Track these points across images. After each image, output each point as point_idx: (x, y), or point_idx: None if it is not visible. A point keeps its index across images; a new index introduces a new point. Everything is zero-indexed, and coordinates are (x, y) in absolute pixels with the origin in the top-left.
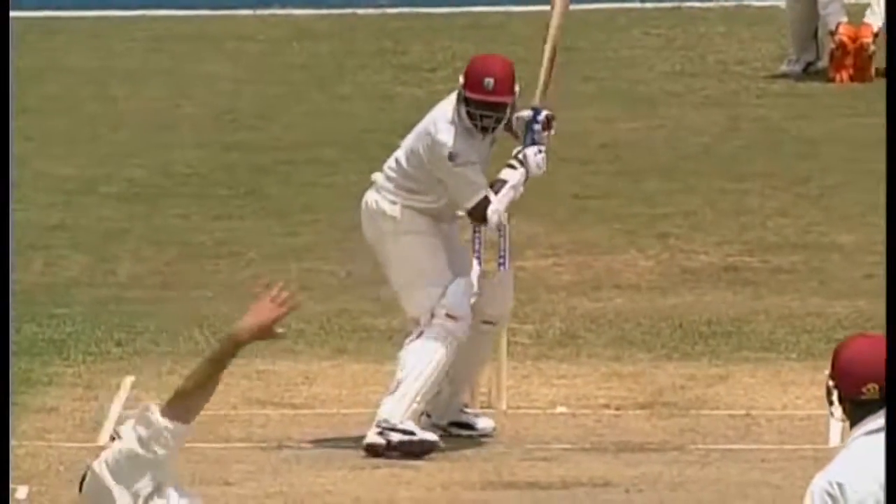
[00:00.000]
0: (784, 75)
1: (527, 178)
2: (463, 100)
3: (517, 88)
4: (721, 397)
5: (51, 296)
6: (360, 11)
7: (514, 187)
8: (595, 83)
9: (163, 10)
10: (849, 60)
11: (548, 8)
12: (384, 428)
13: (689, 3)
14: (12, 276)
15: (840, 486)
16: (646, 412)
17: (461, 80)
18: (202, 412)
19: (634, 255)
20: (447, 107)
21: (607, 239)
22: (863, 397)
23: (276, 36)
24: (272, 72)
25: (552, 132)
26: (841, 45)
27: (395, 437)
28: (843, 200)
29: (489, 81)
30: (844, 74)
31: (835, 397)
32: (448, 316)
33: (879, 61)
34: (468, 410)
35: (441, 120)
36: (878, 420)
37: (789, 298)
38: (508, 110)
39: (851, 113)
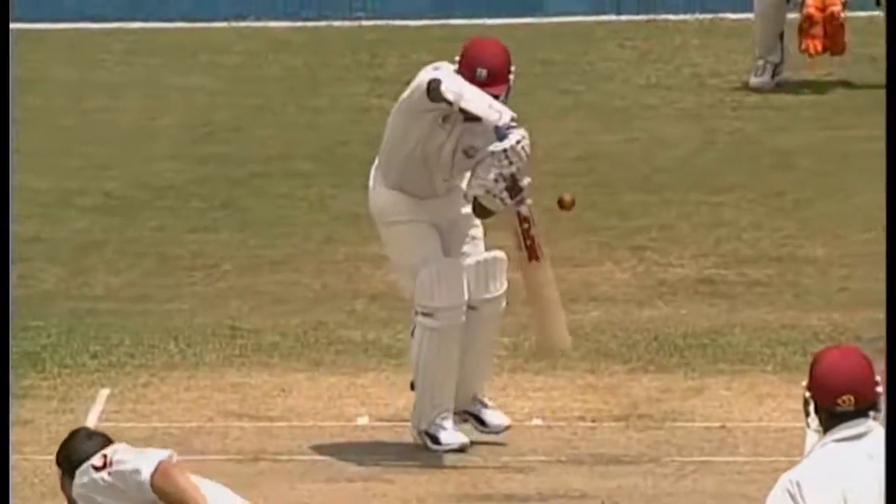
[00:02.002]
0: (757, 89)
1: (505, 126)
2: None
3: (511, 77)
4: (697, 410)
5: (26, 308)
6: (336, 24)
7: (486, 98)
8: (571, 96)
9: (138, 23)
10: (818, 30)
11: (523, 20)
12: (420, 431)
13: (664, 16)
14: None
15: (798, 485)
16: (621, 424)
17: (457, 62)
18: (179, 424)
19: (610, 267)
20: (450, 71)
21: (583, 251)
22: (838, 409)
23: (252, 48)
24: (247, 84)
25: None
26: (808, 17)
27: (429, 443)
28: (818, 213)
29: (482, 72)
30: (817, 44)
31: (811, 408)
32: (422, 313)
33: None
34: (486, 402)
35: (444, 67)
36: (851, 429)
37: (765, 311)
38: (502, 98)
39: (826, 125)
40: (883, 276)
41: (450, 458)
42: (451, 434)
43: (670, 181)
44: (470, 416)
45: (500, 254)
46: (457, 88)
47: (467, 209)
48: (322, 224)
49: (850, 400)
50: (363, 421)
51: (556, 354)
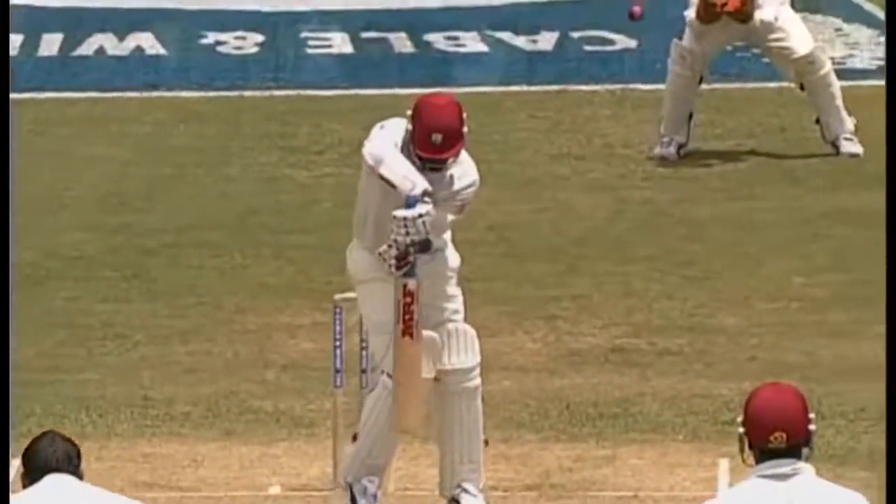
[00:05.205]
0: (664, 158)
1: (415, 198)
2: (409, 145)
3: (465, 129)
4: (608, 479)
5: None
6: (247, 94)
7: (405, 168)
8: (483, 166)
9: (48, 93)
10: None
11: (434, 91)
12: (346, 482)
13: (575, 87)
14: None
15: None
16: (533, 494)
17: (409, 123)
18: None
19: (521, 337)
20: (399, 130)
21: (494, 321)
22: (770, 445)
23: (163, 118)
24: (158, 154)
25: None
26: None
27: (348, 501)
28: (728, 283)
29: (437, 137)
30: (735, 2)
31: (746, 445)
32: (386, 373)
33: None
34: (469, 489)
35: (390, 129)
36: (777, 468)
37: (676, 380)
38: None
39: (736, 196)
40: (792, 345)
41: None
42: (370, 501)
43: (581, 251)
44: (454, 502)
45: (468, 327)
46: (378, 153)
47: (443, 279)
48: (233, 294)
49: (781, 437)
50: (275, 491)
51: (409, 433)
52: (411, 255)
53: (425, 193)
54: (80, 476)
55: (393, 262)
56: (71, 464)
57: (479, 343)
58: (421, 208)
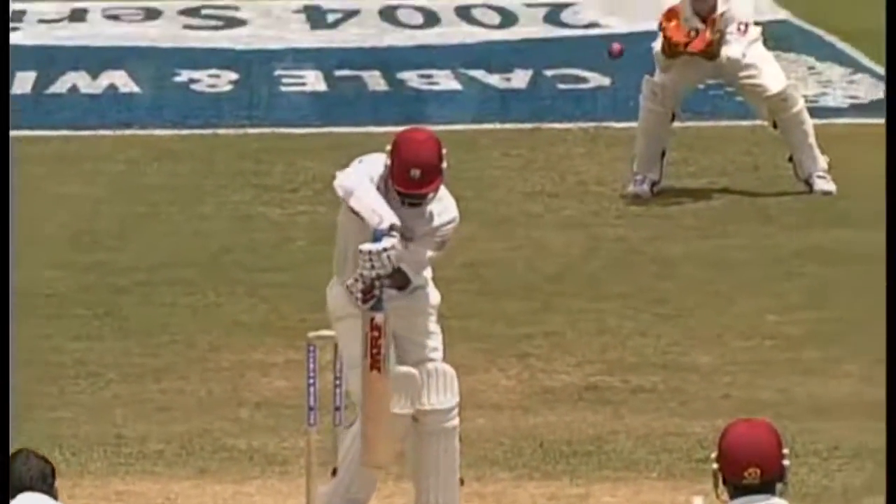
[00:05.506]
0: (637, 195)
1: (382, 231)
2: (388, 180)
3: (444, 165)
4: None
5: None
6: (221, 132)
7: (375, 201)
8: (458, 203)
9: (21, 131)
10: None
11: (406, 128)
12: None
13: (548, 125)
14: None
15: None
16: None
17: (387, 157)
18: None
19: (495, 374)
20: (378, 164)
21: (469, 359)
22: (744, 481)
23: (136, 156)
24: (131, 192)
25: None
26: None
27: None
28: (701, 321)
29: (415, 173)
30: (699, 44)
31: (720, 481)
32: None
33: None
34: None
35: (368, 163)
36: None
37: (649, 418)
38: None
39: (708, 234)
40: (766, 383)
41: None
42: None
43: (555, 288)
44: None
45: (448, 367)
46: (349, 185)
47: (423, 315)
48: (207, 332)
49: (755, 473)
50: None
51: (378, 468)
52: (377, 288)
53: (392, 228)
54: (54, 495)
55: (359, 295)
56: (45, 482)
57: (457, 383)
58: (387, 242)
